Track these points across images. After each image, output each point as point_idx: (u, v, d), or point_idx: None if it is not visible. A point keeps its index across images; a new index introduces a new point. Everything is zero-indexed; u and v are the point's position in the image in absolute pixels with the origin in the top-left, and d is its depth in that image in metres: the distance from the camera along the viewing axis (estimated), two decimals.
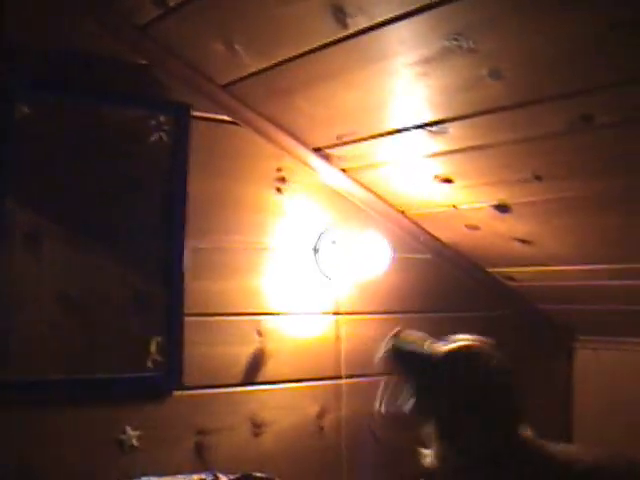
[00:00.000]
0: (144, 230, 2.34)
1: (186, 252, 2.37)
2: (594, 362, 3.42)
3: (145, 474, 2.19)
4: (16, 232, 2.12)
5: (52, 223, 2.19)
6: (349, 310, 2.76)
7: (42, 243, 2.16)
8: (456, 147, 2.31)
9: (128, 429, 2.28)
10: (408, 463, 2.68)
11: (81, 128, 2.24)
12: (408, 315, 2.89)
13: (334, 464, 2.69)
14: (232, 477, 2.17)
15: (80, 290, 2.22)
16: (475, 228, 2.76)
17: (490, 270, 3.10)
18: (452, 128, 2.20)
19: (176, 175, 2.36)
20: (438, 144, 2.32)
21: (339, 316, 2.74)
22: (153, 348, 2.34)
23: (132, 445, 2.28)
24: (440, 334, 2.84)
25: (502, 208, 2.54)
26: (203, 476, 2.20)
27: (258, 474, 2.20)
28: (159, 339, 2.35)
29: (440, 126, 2.21)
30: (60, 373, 2.20)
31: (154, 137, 2.33)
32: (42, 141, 2.18)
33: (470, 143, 2.27)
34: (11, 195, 2.11)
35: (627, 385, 3.32)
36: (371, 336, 2.70)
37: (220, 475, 2.18)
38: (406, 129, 2.30)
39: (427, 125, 2.24)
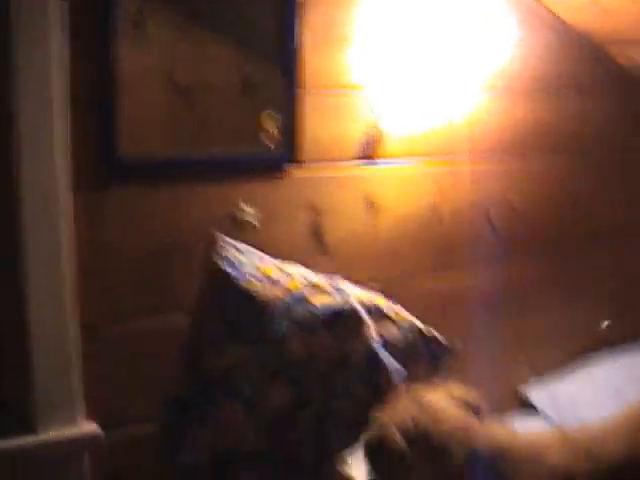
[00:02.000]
0: (254, 4, 2.19)
1: (300, 26, 2.23)
2: None
3: (261, 251, 2.16)
4: (122, 16, 2.00)
5: (158, 6, 2.05)
6: (480, 85, 2.61)
7: (148, 28, 2.04)
8: None
9: (243, 206, 2.24)
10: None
11: None
12: None
13: (449, 251, 2.66)
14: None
15: (189, 70, 2.13)
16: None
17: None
18: None
19: None
20: None
21: (467, 92, 2.58)
22: (268, 125, 2.26)
23: (247, 222, 2.25)
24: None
25: None
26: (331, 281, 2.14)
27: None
28: (274, 115, 2.26)
29: None
30: (172, 152, 2.15)
31: None
32: None
33: None
34: None
35: None
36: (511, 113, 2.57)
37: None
38: None
39: None
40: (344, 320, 2.00)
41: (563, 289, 3.01)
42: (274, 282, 2.00)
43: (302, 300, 1.99)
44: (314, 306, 1.98)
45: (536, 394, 2.89)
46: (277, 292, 1.98)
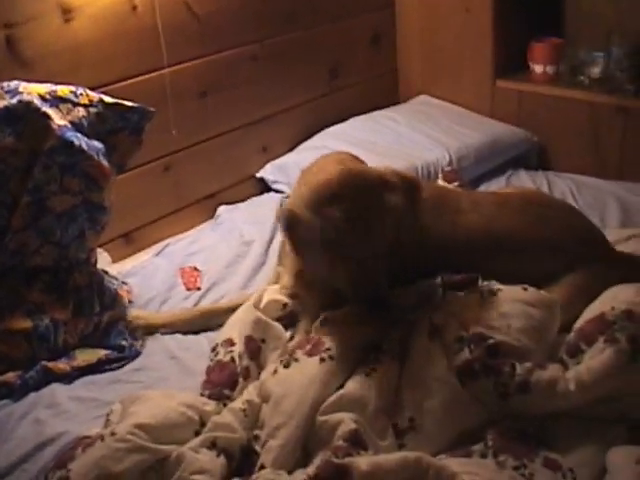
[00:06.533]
0: None
1: None
2: None
3: None
4: None
5: None
6: None
7: None
8: None
9: None
10: None
11: None
12: None
13: (152, 44, 2.70)
14: None
15: None
16: None
17: None
18: None
19: None
20: None
21: None
22: None
23: None
24: None
25: None
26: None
27: None
28: None
29: None
30: None
31: None
32: None
33: None
34: None
35: None
36: None
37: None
38: None
39: None
40: (21, 117, 2.07)
41: (282, 67, 3.16)
42: None
43: None
44: None
45: (269, 173, 3.10)
46: None
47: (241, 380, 1.90)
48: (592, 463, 1.64)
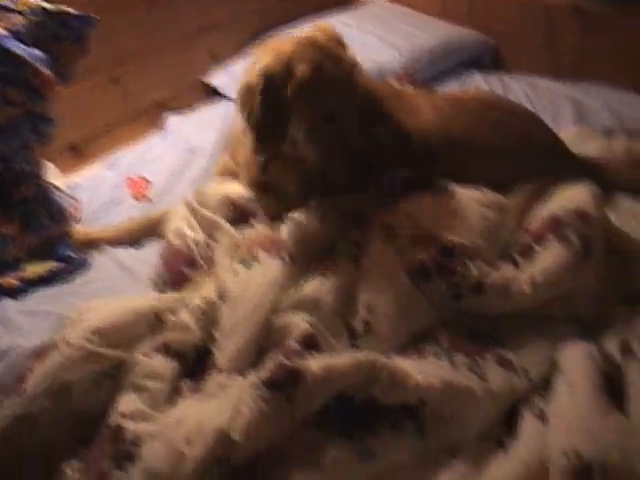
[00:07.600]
0: None
1: None
2: None
3: None
4: None
5: None
6: None
7: None
8: None
9: None
10: None
11: None
12: None
13: None
14: None
15: None
16: None
17: None
18: None
19: None
20: None
21: None
22: None
23: None
24: None
25: None
26: None
27: None
28: None
29: None
30: None
31: None
32: None
33: None
34: None
35: None
36: None
37: None
38: None
39: None
40: None
41: None
42: None
43: None
44: None
45: (218, 79, 3.01)
46: None
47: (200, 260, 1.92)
48: (544, 360, 1.65)
